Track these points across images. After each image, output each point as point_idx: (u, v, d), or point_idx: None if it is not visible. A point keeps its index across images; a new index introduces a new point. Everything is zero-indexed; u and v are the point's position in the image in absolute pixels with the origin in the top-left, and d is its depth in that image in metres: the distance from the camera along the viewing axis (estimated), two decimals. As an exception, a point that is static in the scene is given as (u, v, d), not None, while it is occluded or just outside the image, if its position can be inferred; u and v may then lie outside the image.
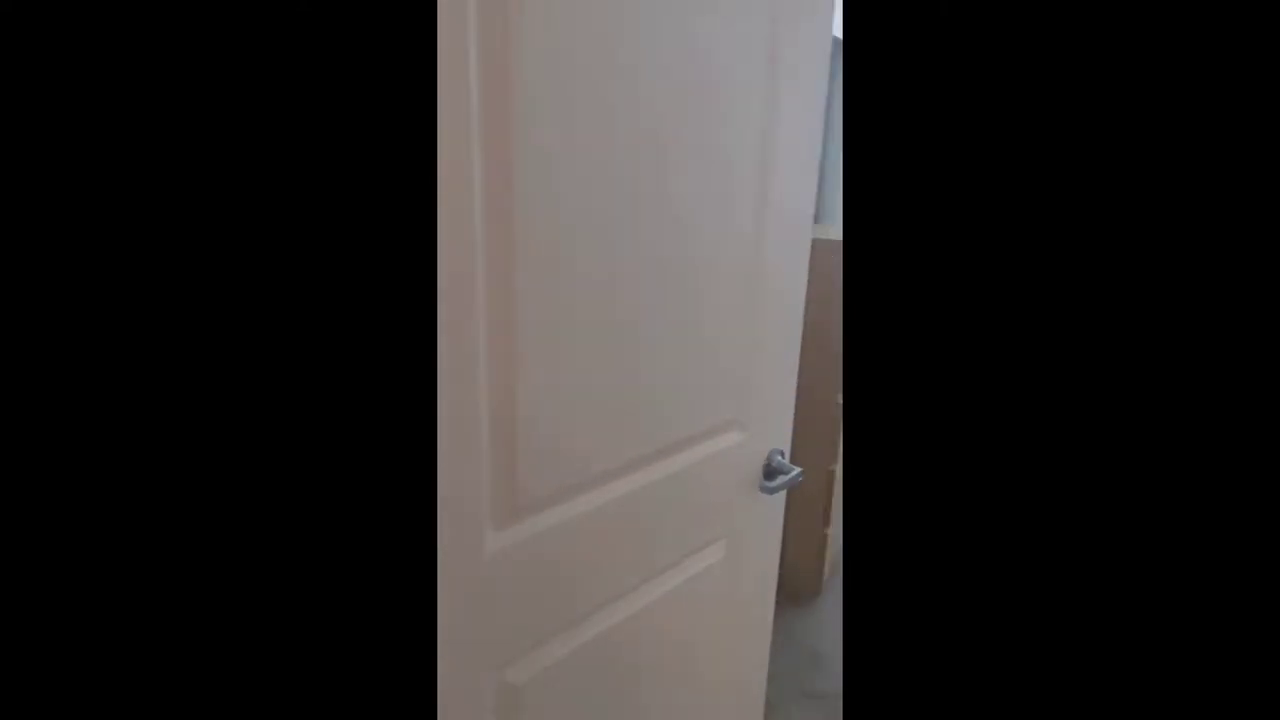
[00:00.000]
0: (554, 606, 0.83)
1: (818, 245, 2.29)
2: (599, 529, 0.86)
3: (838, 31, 2.63)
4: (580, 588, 0.86)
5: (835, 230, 2.58)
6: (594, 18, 0.67)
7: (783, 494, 1.18)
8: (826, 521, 2.44)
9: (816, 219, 3.01)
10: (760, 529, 1.16)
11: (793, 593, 2.58)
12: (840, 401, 2.21)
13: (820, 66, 0.97)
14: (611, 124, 0.71)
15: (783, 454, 1.15)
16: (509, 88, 0.62)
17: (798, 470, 1.12)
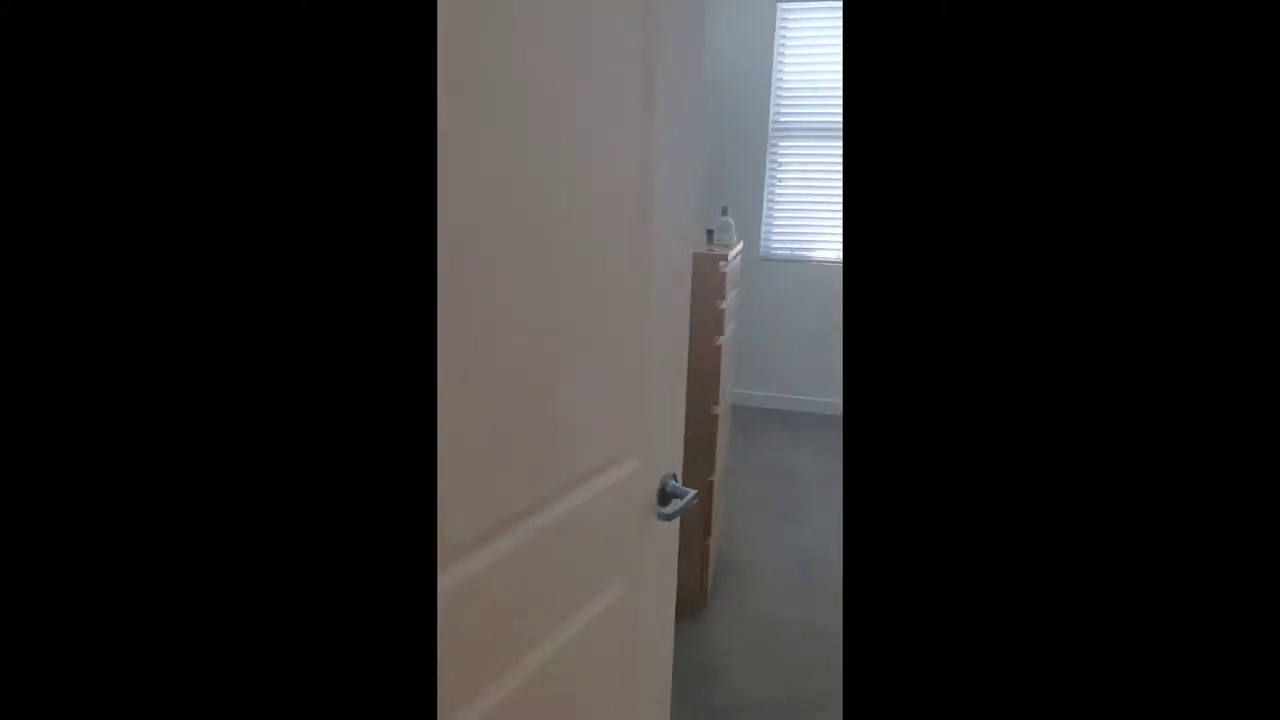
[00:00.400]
0: (475, 660, 0.74)
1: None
2: (508, 577, 0.77)
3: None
4: (495, 642, 0.77)
5: (701, 243, 2.60)
6: (499, 70, 0.59)
7: (677, 520, 1.14)
8: (707, 533, 2.44)
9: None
10: (658, 560, 1.11)
11: (678, 607, 2.56)
12: (716, 413, 2.22)
13: (697, 95, 0.94)
14: (518, 167, 0.64)
15: (675, 477, 1.11)
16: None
17: (693, 493, 1.08)
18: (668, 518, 1.05)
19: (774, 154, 4.34)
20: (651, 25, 0.86)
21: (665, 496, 1.09)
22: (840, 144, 4.22)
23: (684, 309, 1.04)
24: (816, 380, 4.47)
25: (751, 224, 4.37)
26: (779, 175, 4.38)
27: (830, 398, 4.46)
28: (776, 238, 4.44)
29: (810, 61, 4.17)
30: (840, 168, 4.25)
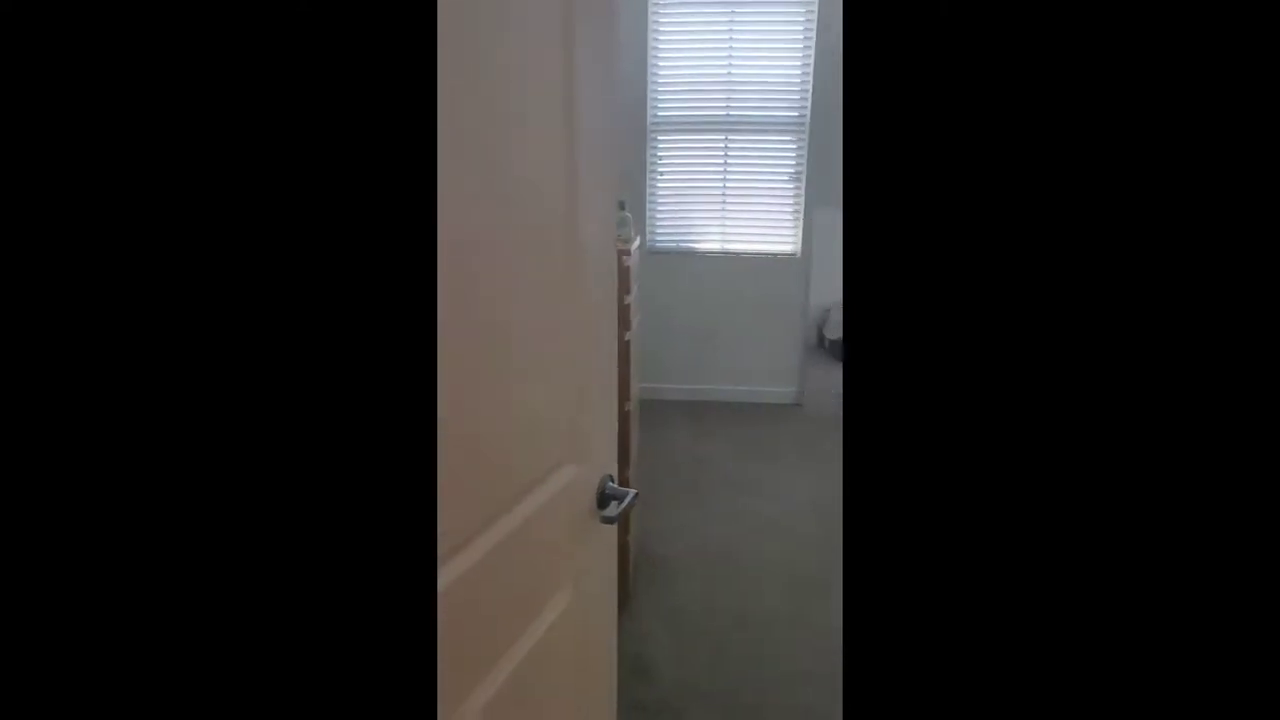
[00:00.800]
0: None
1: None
2: (460, 601, 0.72)
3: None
4: (447, 673, 0.72)
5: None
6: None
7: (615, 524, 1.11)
8: (626, 530, 2.42)
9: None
10: (601, 563, 1.09)
11: (603, 609, 2.53)
12: (630, 410, 2.20)
13: (612, 101, 0.91)
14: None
15: (612, 478, 1.08)
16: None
17: (632, 493, 1.05)
18: (611, 520, 1.02)
19: (654, 148, 4.37)
20: (571, 51, 0.83)
21: (604, 499, 1.06)
22: (721, 136, 4.30)
23: (612, 306, 1.02)
24: (713, 370, 4.55)
25: (636, 218, 4.38)
26: (660, 169, 4.41)
27: (728, 385, 4.54)
28: (661, 231, 4.48)
29: (685, 56, 4.22)
30: (722, 159, 4.34)
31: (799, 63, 4.14)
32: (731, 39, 4.15)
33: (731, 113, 4.27)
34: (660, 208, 4.48)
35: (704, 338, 4.53)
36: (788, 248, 4.40)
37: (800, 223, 4.33)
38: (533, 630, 0.91)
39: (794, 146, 4.27)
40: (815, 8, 3.99)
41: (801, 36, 4.10)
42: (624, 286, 2.08)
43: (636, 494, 1.06)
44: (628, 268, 2.11)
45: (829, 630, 2.34)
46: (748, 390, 4.55)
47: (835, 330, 4.35)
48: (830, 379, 4.38)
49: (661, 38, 4.21)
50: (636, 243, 2.54)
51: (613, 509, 1.04)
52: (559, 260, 0.85)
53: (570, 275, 0.88)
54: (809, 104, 4.16)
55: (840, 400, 4.37)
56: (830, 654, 2.23)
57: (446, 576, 0.71)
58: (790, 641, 2.31)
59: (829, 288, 4.33)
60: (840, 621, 2.39)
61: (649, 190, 4.42)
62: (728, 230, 4.45)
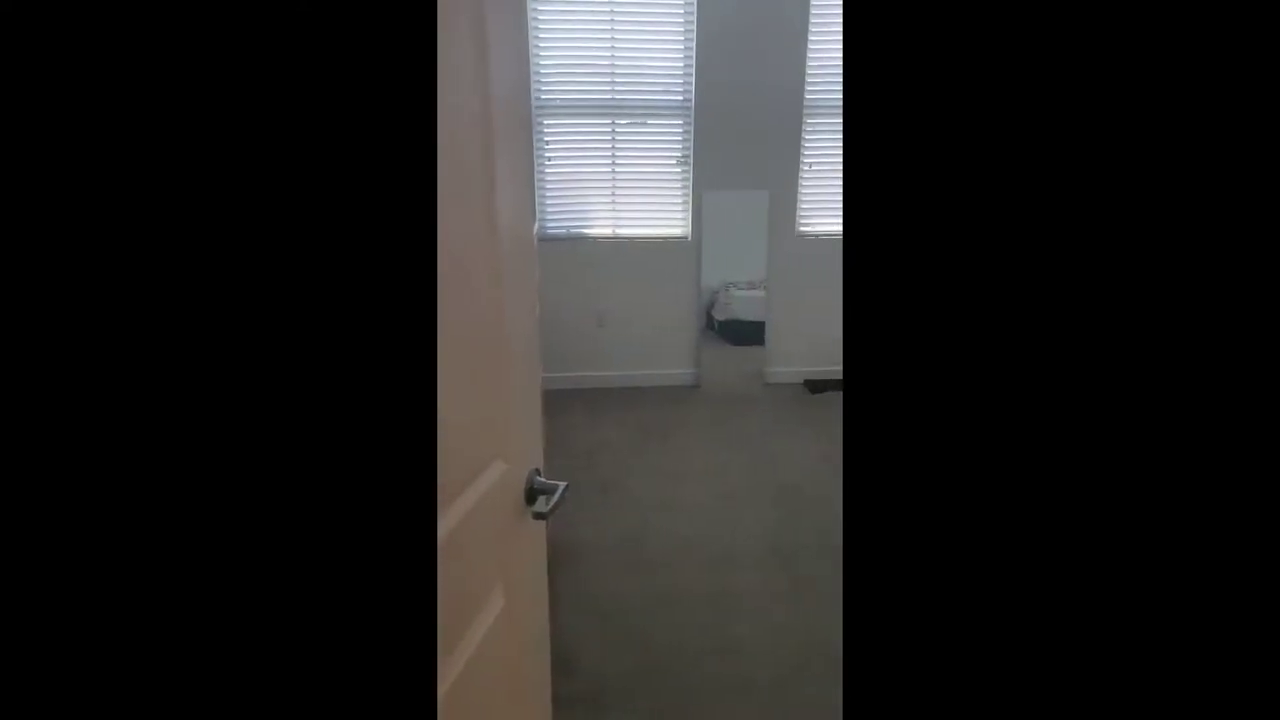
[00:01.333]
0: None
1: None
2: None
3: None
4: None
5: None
6: None
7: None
8: (537, 523, 2.38)
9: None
10: (532, 561, 1.05)
11: (516, 604, 2.48)
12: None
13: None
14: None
15: (539, 472, 1.05)
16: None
17: (563, 485, 1.02)
18: (543, 516, 0.99)
19: (539, 133, 4.29)
20: (485, 53, 0.78)
21: (533, 494, 1.02)
22: (608, 120, 4.27)
23: (533, 293, 0.98)
24: (608, 357, 4.54)
25: (526, 205, 4.29)
26: (547, 154, 4.34)
27: (624, 371, 4.55)
28: (551, 217, 4.41)
29: (568, 39, 4.15)
30: (610, 143, 4.31)
31: (680, 48, 4.16)
32: (614, 22, 4.12)
33: (617, 96, 4.25)
34: (549, 193, 4.41)
35: (597, 324, 4.51)
36: (678, 231, 4.43)
37: (689, 206, 4.38)
38: (469, 637, 0.87)
39: (680, 130, 4.30)
40: (695, -9, 4.03)
41: (682, 21, 4.12)
42: (525, 274, 2.03)
43: (567, 486, 1.03)
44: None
45: (746, 605, 2.39)
46: (644, 375, 4.57)
47: (723, 312, 4.44)
48: (726, 360, 4.47)
49: (542, 19, 4.13)
50: (535, 227, 2.48)
51: (542, 504, 1.00)
52: (480, 249, 0.81)
53: (490, 263, 0.84)
54: (693, 88, 4.20)
55: (738, 381, 4.48)
56: (754, 624, 2.28)
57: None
58: (709, 617, 2.35)
59: (719, 270, 4.40)
60: (753, 592, 2.44)
61: (538, 176, 4.34)
62: (619, 214, 4.44)
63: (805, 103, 4.27)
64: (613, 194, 4.42)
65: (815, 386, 4.48)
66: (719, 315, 4.41)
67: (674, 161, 4.36)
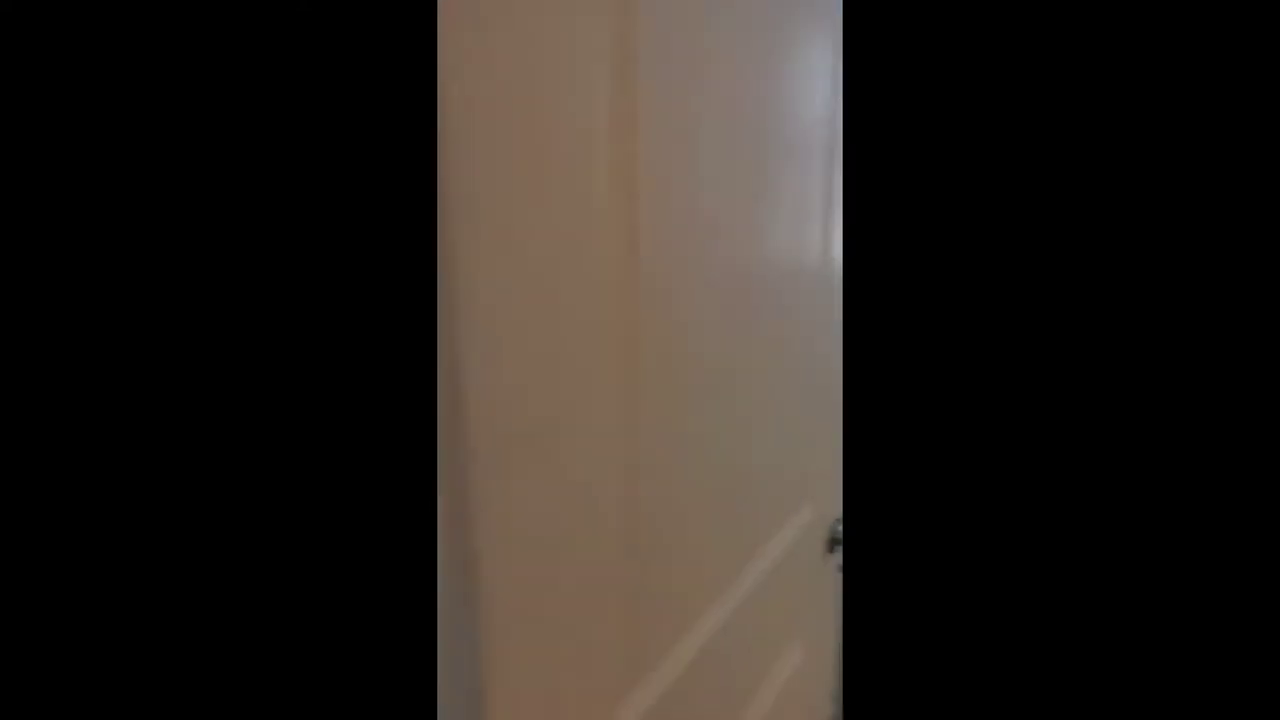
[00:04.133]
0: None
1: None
2: (703, 670, 0.64)
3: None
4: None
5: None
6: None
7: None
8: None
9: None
10: (829, 615, 0.97)
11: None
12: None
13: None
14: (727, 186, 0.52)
15: (840, 520, 0.96)
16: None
17: (867, 537, 0.92)
18: (846, 569, 0.90)
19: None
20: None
21: (834, 543, 0.94)
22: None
23: (824, 322, 0.90)
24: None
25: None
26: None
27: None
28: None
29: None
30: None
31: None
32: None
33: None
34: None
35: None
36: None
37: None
38: (763, 693, 0.81)
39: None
40: None
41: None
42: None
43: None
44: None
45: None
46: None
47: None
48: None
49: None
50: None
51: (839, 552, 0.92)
52: (756, 283, 0.75)
53: (769, 296, 0.78)
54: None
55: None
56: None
57: (679, 651, 0.62)
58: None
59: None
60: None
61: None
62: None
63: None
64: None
65: None
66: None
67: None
